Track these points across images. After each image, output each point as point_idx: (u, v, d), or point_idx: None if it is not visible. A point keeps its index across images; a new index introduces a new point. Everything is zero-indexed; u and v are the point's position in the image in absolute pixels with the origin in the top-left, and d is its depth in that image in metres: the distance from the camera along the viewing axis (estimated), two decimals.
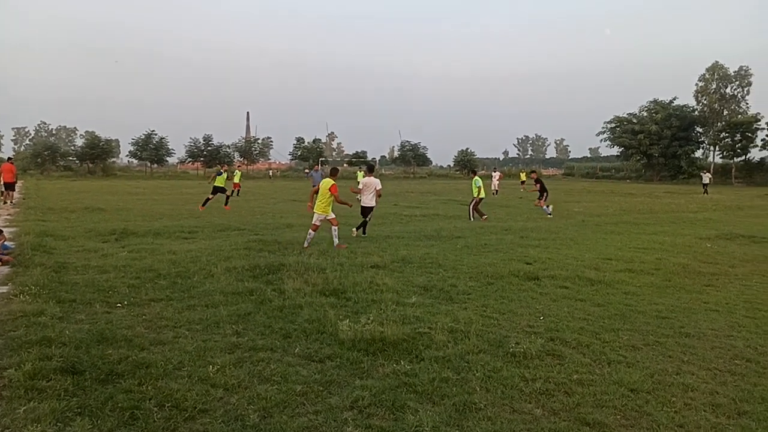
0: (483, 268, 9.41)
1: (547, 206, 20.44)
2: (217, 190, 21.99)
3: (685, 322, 6.66)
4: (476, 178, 19.66)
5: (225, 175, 22.73)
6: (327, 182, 11.59)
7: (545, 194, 20.45)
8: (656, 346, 5.78)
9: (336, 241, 11.46)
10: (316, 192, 11.98)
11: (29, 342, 5.25)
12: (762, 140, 63.83)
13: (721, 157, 69.86)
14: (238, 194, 30.68)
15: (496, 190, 35.76)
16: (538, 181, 20.96)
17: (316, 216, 11.66)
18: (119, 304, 6.90)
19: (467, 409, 4.20)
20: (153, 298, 7.23)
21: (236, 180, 31.54)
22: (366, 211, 13.58)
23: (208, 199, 21.75)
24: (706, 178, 41.25)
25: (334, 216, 11.65)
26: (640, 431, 3.96)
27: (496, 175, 38.76)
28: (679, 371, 5.07)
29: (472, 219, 18.85)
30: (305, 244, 11.34)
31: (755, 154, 66.57)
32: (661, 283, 8.82)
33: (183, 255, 10.14)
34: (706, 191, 38.99)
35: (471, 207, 19.35)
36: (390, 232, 13.90)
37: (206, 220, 16.78)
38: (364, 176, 15.60)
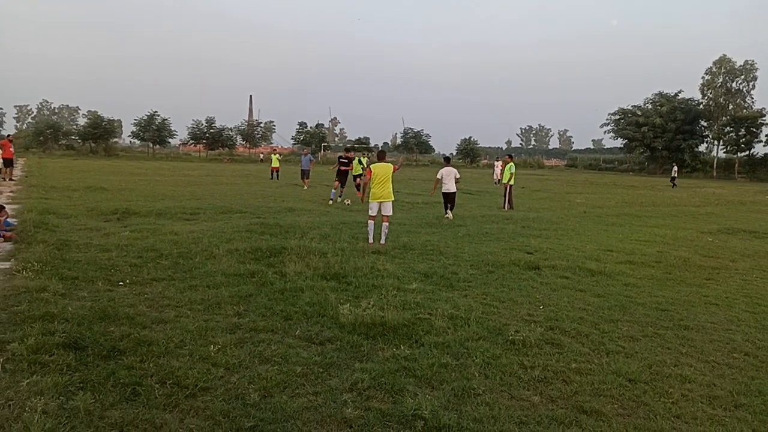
0: (484, 257, 9.43)
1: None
2: (356, 177, 22.28)
3: (685, 314, 6.69)
4: (511, 163, 19.55)
5: (365, 161, 22.94)
6: (387, 167, 10.84)
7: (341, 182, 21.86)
8: (655, 337, 5.81)
9: (383, 239, 10.53)
10: (364, 185, 11.28)
11: (32, 317, 5.29)
12: (766, 135, 63.57)
13: (724, 152, 69.42)
14: (277, 177, 30.65)
15: (499, 180, 35.77)
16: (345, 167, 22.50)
17: (379, 205, 10.72)
18: (121, 283, 6.93)
19: (466, 394, 4.23)
20: (155, 278, 7.26)
21: (275, 164, 31.45)
22: (450, 196, 15.65)
23: (358, 186, 22.16)
24: (674, 171, 42.90)
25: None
26: (636, 420, 3.99)
27: (499, 164, 38.81)
28: (677, 363, 5.10)
29: (511, 208, 18.69)
30: (370, 240, 10.46)
31: (759, 149, 66.35)
32: (662, 276, 8.84)
33: (185, 236, 10.17)
34: (674, 184, 39.92)
35: (509, 194, 19.10)
36: (391, 219, 13.88)
37: (208, 203, 16.79)
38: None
